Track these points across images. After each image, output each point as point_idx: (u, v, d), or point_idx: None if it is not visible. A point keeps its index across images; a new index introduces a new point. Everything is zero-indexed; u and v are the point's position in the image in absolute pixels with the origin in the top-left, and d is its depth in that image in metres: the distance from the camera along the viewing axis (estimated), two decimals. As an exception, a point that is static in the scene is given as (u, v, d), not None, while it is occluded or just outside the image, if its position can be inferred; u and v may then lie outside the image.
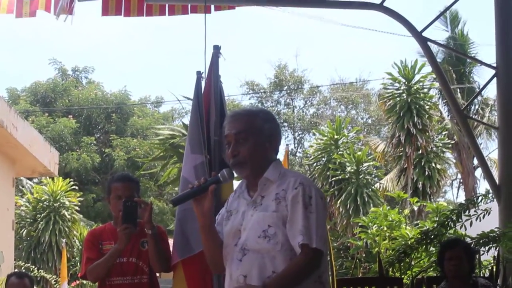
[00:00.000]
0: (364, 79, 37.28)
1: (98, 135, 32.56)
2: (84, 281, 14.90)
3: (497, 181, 7.95)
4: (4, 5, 6.17)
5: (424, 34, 8.17)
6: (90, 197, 28.91)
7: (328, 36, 54.80)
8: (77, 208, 20.79)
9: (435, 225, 7.59)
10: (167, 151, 8.97)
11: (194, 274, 4.55)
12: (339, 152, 19.82)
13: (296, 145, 37.52)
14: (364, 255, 15.64)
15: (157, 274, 4.59)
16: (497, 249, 6.76)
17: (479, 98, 24.55)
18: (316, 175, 20.31)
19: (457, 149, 24.84)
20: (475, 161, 24.49)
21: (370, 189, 19.19)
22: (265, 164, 3.32)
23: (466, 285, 5.36)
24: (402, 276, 7.01)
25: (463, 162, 24.86)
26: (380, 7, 8.18)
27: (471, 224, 7.18)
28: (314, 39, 50.97)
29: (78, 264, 19.61)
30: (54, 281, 17.96)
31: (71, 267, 19.11)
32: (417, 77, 19.89)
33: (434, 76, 19.46)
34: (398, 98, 19.69)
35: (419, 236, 7.37)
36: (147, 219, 4.33)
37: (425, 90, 20.12)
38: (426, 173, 19.98)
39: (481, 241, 6.60)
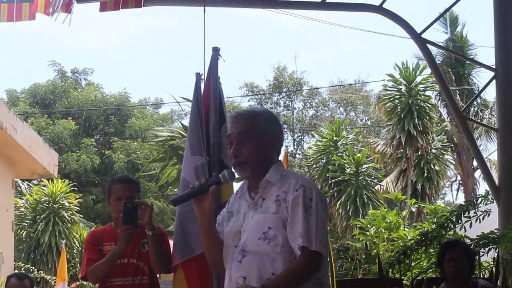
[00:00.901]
0: (363, 81, 37.30)
1: (97, 137, 32.56)
2: (84, 282, 14.90)
3: (496, 182, 7.96)
4: (4, 12, 6.16)
5: (423, 36, 8.18)
6: (90, 198, 28.91)
7: (327, 38, 54.86)
8: (76, 209, 20.79)
9: (434, 226, 7.60)
10: (166, 153, 8.97)
11: (194, 275, 4.56)
12: (339, 154, 19.82)
13: (295, 146, 37.56)
14: (364, 257, 15.65)
15: (157, 275, 4.60)
16: (497, 250, 6.76)
17: (478, 100, 24.55)
18: (316, 176, 20.32)
19: (457, 150, 24.85)
20: (475, 163, 24.51)
21: (369, 191, 19.19)
22: (266, 165, 3.32)
23: (466, 286, 5.37)
24: (402, 278, 7.01)
25: (463, 163, 24.87)
26: (379, 9, 8.19)
27: (470, 225, 7.19)
28: (313, 41, 51.01)
29: (78, 265, 19.62)
30: (54, 282, 17.95)
31: (70, 268, 19.10)
32: (418, 79, 19.89)
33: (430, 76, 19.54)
34: (398, 100, 19.70)
35: (419, 237, 7.37)
36: (148, 220, 4.33)
37: (426, 92, 20.13)
38: (425, 174, 19.99)
39: (480, 242, 6.61)
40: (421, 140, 19.34)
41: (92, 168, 29.87)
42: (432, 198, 20.18)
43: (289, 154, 29.52)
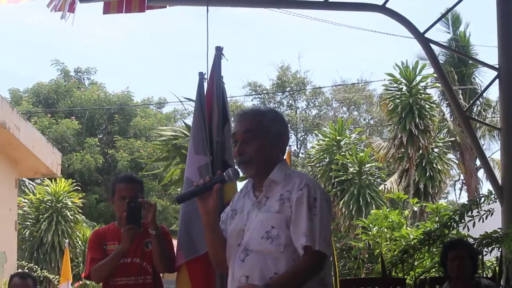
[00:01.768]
0: (366, 80, 37.27)
1: (100, 136, 32.56)
2: (88, 282, 14.91)
3: (499, 182, 7.95)
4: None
5: (426, 35, 8.18)
6: (93, 197, 28.91)
7: (330, 37, 54.87)
8: (79, 208, 20.81)
9: (437, 225, 7.60)
10: (169, 152, 8.98)
11: (198, 274, 4.56)
12: (342, 153, 19.80)
13: (298, 146, 37.54)
14: (367, 256, 15.64)
15: (161, 275, 4.60)
16: (500, 249, 6.76)
17: (481, 99, 24.54)
18: (319, 176, 20.31)
19: (460, 150, 24.85)
20: (478, 162, 24.50)
21: (372, 190, 19.18)
22: (271, 164, 3.32)
23: (469, 285, 5.37)
24: (405, 277, 7.01)
25: (466, 163, 24.86)
26: (382, 9, 8.19)
27: (474, 224, 7.19)
28: (316, 41, 51.03)
29: (81, 264, 19.64)
30: (57, 281, 17.97)
31: (74, 267, 19.11)
32: (418, 78, 19.88)
33: (435, 77, 19.51)
34: (399, 100, 19.69)
35: (422, 236, 7.37)
36: (151, 220, 4.34)
37: (427, 91, 20.11)
38: (428, 174, 19.98)
39: (484, 241, 6.60)
40: (422, 139, 19.32)
41: (96, 168, 29.88)
42: (435, 198, 20.17)
43: (292, 153, 29.50)
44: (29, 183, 22.62)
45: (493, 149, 26.22)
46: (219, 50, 4.97)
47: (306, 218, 3.15)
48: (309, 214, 3.16)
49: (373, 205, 18.19)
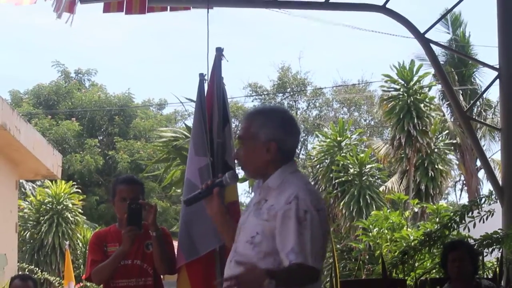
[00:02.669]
0: (366, 81, 37.26)
1: (101, 137, 32.57)
2: (88, 283, 14.91)
3: (500, 182, 7.95)
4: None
5: (426, 35, 8.18)
6: (94, 199, 28.91)
7: (331, 38, 54.85)
8: (80, 210, 20.80)
9: (438, 226, 7.59)
10: (170, 153, 8.98)
11: (198, 276, 4.55)
12: (342, 154, 19.78)
13: (299, 147, 37.52)
14: (367, 257, 15.64)
15: (161, 276, 4.60)
16: (501, 250, 6.75)
17: (481, 99, 24.53)
18: (319, 177, 20.30)
19: (460, 150, 24.83)
20: (478, 163, 24.48)
21: (373, 191, 19.17)
22: (262, 170, 3.28)
23: (469, 286, 5.37)
24: (406, 278, 7.01)
25: (466, 163, 24.85)
26: (383, 9, 8.18)
27: (474, 225, 7.18)
28: (317, 41, 51.02)
29: (82, 266, 19.63)
30: (58, 283, 17.98)
31: (74, 269, 19.09)
32: (415, 79, 19.88)
33: (433, 76, 19.53)
34: (397, 100, 19.69)
35: (422, 237, 7.36)
36: (152, 221, 4.34)
37: (425, 90, 20.11)
38: (429, 174, 19.97)
39: (484, 242, 6.60)
40: (421, 139, 19.32)
41: (96, 169, 29.88)
42: (436, 198, 20.16)
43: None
44: (28, 184, 22.63)
45: (493, 150, 26.21)
46: (219, 51, 4.97)
47: (296, 233, 3.06)
48: (299, 229, 3.07)
49: (374, 206, 18.16)
